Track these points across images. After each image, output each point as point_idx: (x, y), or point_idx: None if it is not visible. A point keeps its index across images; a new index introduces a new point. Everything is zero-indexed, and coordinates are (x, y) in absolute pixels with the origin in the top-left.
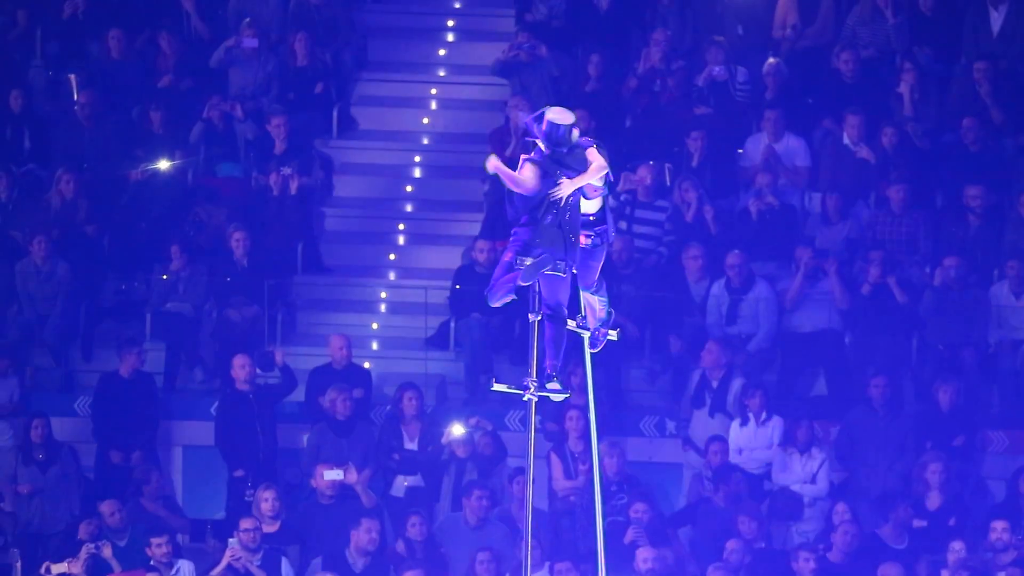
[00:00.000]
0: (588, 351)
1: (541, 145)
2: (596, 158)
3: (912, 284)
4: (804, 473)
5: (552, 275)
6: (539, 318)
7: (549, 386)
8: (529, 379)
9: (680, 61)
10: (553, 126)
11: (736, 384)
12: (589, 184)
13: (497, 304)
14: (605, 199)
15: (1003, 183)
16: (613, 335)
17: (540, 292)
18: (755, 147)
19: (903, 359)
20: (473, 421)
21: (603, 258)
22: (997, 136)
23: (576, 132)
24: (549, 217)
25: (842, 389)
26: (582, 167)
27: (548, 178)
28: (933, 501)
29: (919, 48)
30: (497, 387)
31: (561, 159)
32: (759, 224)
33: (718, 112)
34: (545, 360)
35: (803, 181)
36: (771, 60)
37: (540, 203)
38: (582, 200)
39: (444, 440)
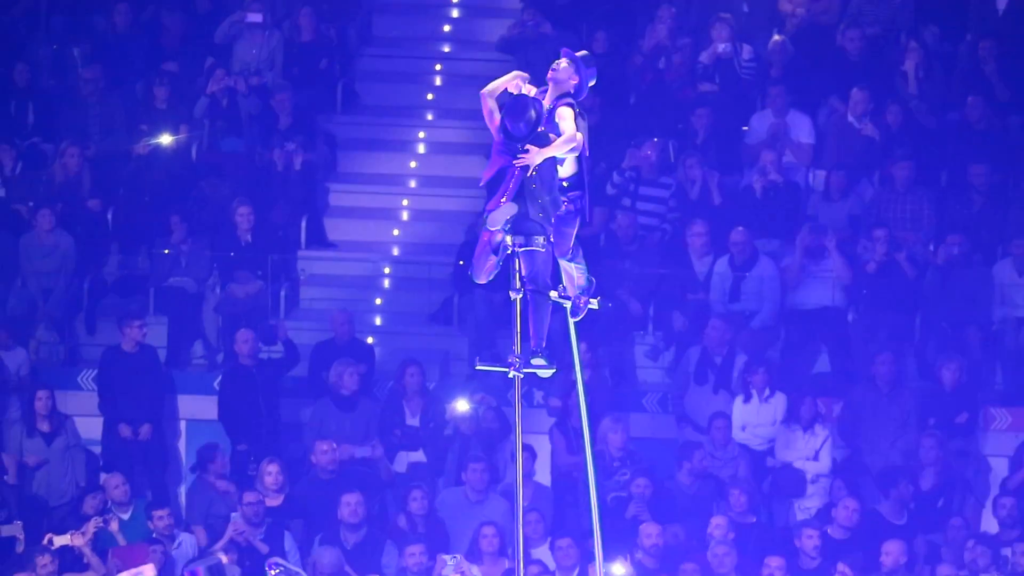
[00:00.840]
0: (571, 321)
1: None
2: (567, 124)
3: (916, 262)
4: (807, 450)
5: (530, 250)
6: (521, 295)
7: (534, 362)
8: (513, 356)
9: (686, 38)
10: (515, 125)
11: (739, 361)
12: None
13: (483, 279)
14: (581, 162)
15: (1008, 161)
16: (594, 303)
17: (520, 269)
18: (760, 124)
19: (906, 337)
20: (478, 397)
21: (577, 224)
22: (1002, 114)
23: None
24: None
25: (845, 366)
26: (555, 131)
27: (505, 154)
28: (927, 479)
29: (924, 26)
30: (481, 366)
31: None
32: (763, 201)
33: (723, 89)
34: (530, 337)
35: (807, 158)
36: (776, 37)
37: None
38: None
39: (448, 416)
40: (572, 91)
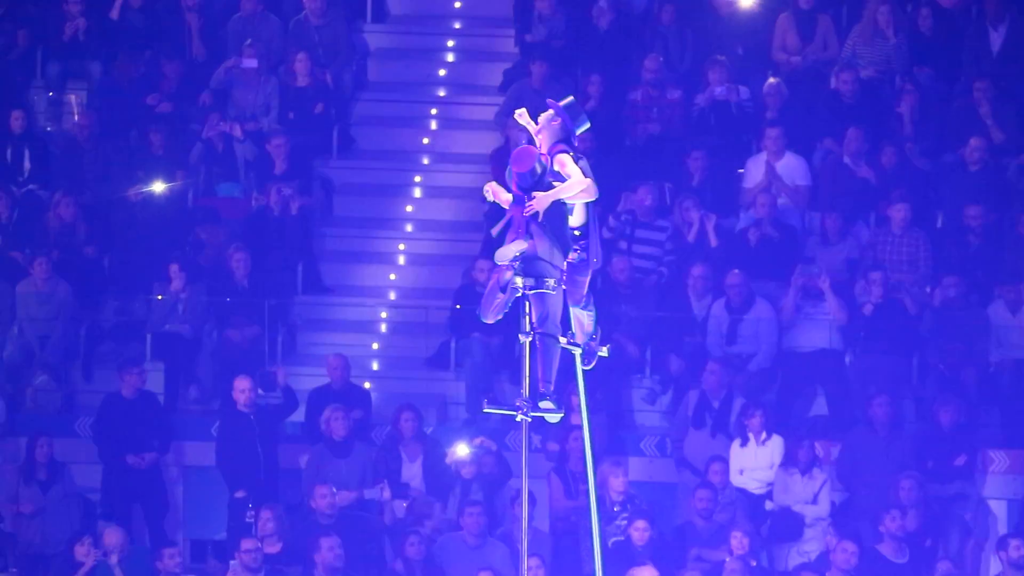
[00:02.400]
0: (580, 368)
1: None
2: (570, 168)
3: (913, 303)
4: (806, 493)
5: (540, 293)
6: (530, 339)
7: (542, 405)
8: (521, 399)
9: (678, 91)
10: (521, 175)
11: (737, 404)
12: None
13: (491, 318)
14: (589, 211)
15: (1003, 202)
16: (604, 351)
17: (530, 312)
18: (756, 167)
19: (904, 379)
20: (478, 441)
21: (590, 273)
22: (997, 156)
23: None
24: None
25: (843, 409)
26: (558, 178)
27: (518, 204)
28: (912, 520)
29: (919, 68)
30: (489, 409)
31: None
32: (759, 244)
33: (719, 132)
34: (538, 380)
35: (803, 200)
36: (771, 80)
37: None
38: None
39: (448, 460)
40: (562, 137)
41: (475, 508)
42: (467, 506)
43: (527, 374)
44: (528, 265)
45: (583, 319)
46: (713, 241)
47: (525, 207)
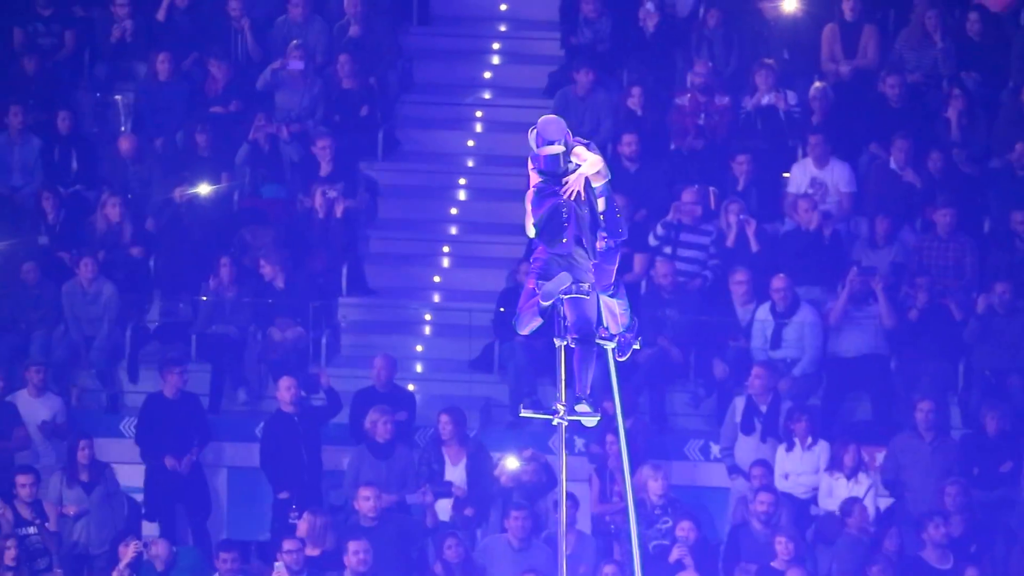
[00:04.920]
0: (613, 361)
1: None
2: (585, 152)
3: (959, 308)
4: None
5: (576, 298)
6: (565, 343)
7: (578, 409)
8: (558, 403)
9: (726, 96)
10: (549, 159)
11: (784, 408)
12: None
13: (525, 331)
14: (609, 199)
15: None
16: (636, 344)
17: (565, 316)
18: (801, 172)
19: (950, 384)
20: (527, 453)
21: (618, 260)
22: None
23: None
24: (565, 236)
25: (887, 414)
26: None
27: (548, 197)
28: (956, 525)
29: (966, 72)
30: (525, 413)
31: (554, 184)
32: (805, 248)
33: (765, 137)
34: (574, 384)
35: (848, 206)
36: (817, 84)
37: (550, 223)
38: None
39: (497, 473)
40: (544, 170)
41: (520, 512)
42: (512, 509)
43: (563, 378)
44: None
45: (615, 308)
46: (754, 246)
47: (561, 190)
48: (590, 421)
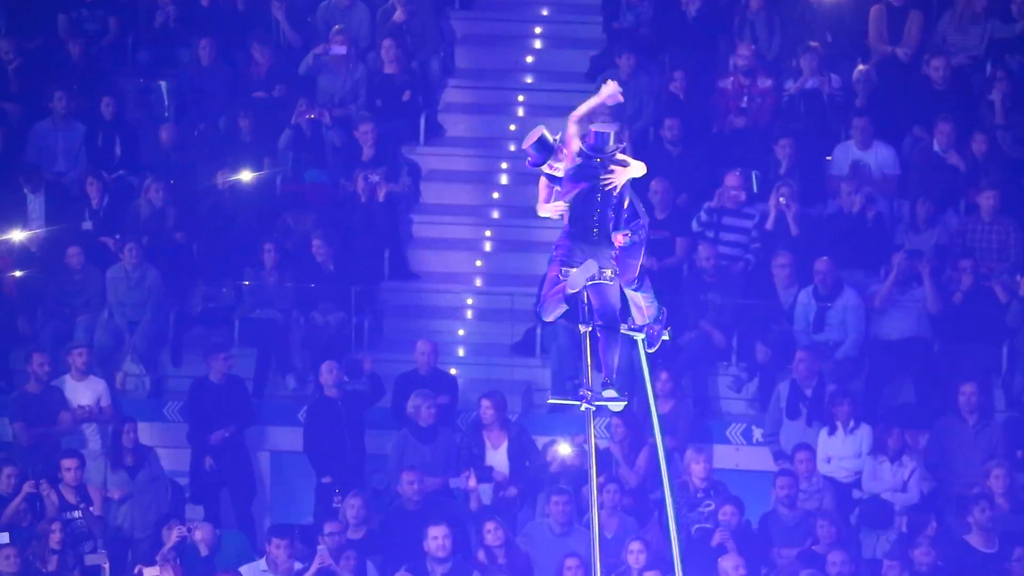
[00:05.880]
0: (644, 352)
1: (564, 160)
2: (630, 159)
3: (1004, 292)
4: (895, 481)
5: (600, 284)
6: (590, 329)
7: (606, 394)
8: (584, 389)
9: (768, 79)
10: (600, 136)
11: (828, 391)
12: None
13: (550, 318)
14: (633, 195)
15: None
16: (666, 335)
17: (589, 302)
18: (843, 155)
19: (993, 367)
20: (580, 439)
21: (641, 255)
22: None
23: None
24: (589, 224)
25: (931, 397)
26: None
27: (583, 180)
28: (1000, 507)
29: (1011, 54)
30: (553, 400)
31: (594, 167)
32: (847, 231)
33: (807, 119)
34: (601, 370)
35: (892, 188)
36: (860, 67)
37: (580, 212)
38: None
39: (549, 458)
40: (591, 148)
41: (561, 497)
42: (553, 494)
43: (589, 364)
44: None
45: (640, 301)
46: (793, 230)
47: (603, 179)
48: (617, 406)
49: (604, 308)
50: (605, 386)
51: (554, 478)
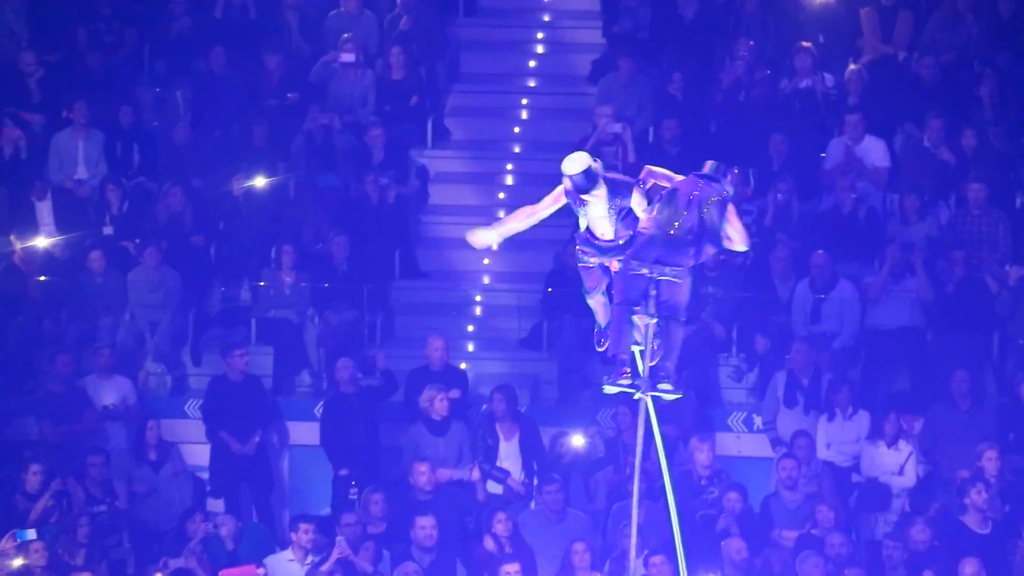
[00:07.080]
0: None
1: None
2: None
3: (994, 282)
4: (892, 465)
5: (669, 280)
6: (655, 320)
7: (661, 386)
8: (640, 378)
9: (765, 71)
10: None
11: (825, 381)
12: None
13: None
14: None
15: None
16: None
17: (658, 294)
18: (836, 150)
19: (985, 354)
20: (592, 431)
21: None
22: None
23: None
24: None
25: (925, 384)
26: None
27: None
28: (994, 491)
29: (998, 51)
30: (609, 388)
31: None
32: (841, 225)
33: (801, 117)
34: (663, 360)
35: (883, 182)
36: (852, 66)
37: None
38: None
39: (562, 449)
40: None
41: (552, 486)
42: (545, 484)
43: (647, 353)
44: (664, 256)
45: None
46: (795, 212)
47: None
48: (671, 397)
49: (672, 301)
50: (661, 378)
51: (565, 468)
